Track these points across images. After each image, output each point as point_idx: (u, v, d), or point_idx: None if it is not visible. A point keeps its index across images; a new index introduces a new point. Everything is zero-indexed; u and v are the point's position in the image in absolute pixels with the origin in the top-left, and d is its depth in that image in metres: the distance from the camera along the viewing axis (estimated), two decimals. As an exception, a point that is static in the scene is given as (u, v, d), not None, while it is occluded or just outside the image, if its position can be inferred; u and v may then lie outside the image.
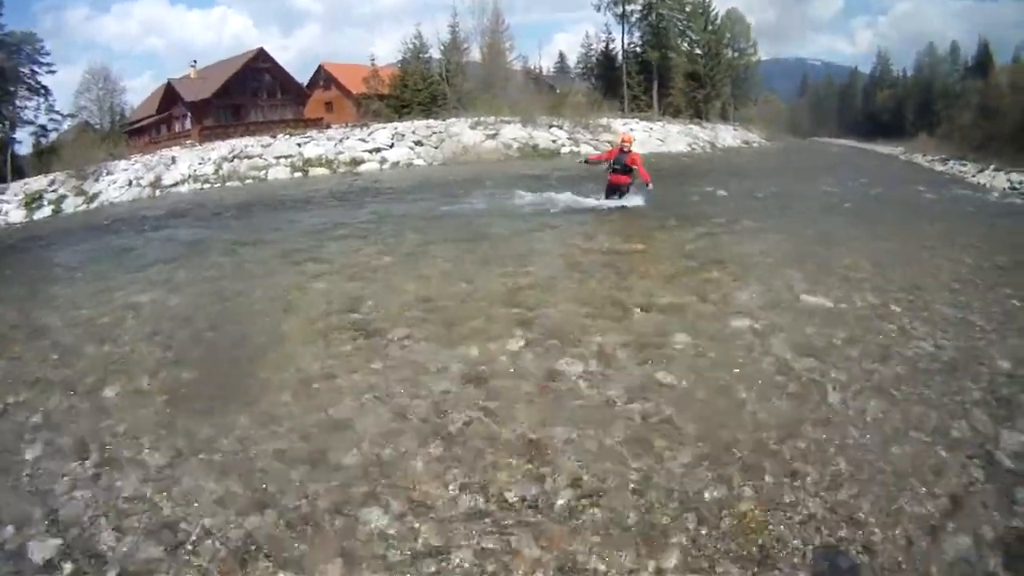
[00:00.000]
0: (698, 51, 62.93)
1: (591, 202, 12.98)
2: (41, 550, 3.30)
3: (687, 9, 60.37)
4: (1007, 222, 13.22)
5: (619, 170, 12.48)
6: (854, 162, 35.56)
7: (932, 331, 5.62)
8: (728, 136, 54.63)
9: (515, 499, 3.40)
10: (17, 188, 31.91)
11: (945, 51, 78.43)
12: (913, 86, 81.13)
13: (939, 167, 31.71)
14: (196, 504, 3.56)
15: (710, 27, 64.81)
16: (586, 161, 14.15)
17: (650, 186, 12.44)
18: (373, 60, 50.89)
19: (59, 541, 3.36)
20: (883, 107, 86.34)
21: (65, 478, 3.96)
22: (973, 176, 25.54)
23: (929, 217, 12.72)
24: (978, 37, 73.74)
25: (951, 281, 7.30)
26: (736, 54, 72.31)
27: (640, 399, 4.34)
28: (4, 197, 30.52)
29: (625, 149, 12.47)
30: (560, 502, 3.35)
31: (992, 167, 25.80)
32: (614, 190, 12.62)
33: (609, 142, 35.05)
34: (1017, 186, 21.59)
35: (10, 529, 3.52)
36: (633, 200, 12.68)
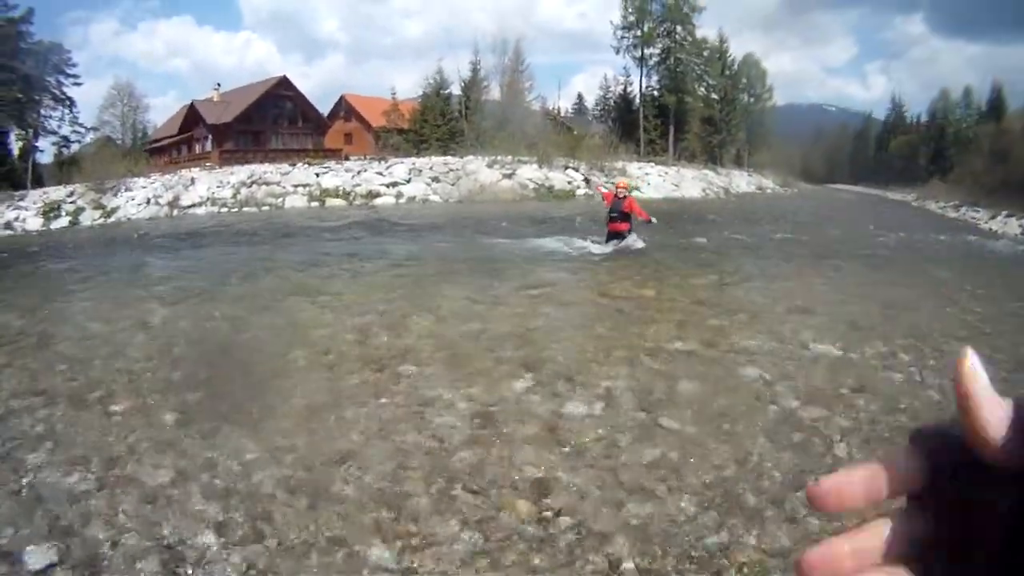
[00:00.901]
0: (714, 96, 63.59)
1: (596, 248, 13.04)
2: (37, 556, 3.31)
3: (705, 54, 61.08)
4: (1018, 269, 13.21)
5: (616, 217, 12.68)
6: (866, 209, 35.63)
7: (940, 380, 5.58)
8: (742, 182, 54.97)
9: (516, 539, 3.40)
10: (36, 196, 32.53)
11: (959, 96, 78.43)
12: (927, 132, 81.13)
13: (951, 213, 31.72)
14: (196, 525, 3.56)
15: (727, 72, 65.54)
16: (594, 191, 14.06)
17: (653, 220, 12.59)
18: (394, 94, 51.69)
19: (56, 549, 3.36)
20: (897, 153, 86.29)
21: (67, 488, 3.98)
22: (985, 222, 25.50)
23: (939, 264, 12.69)
24: (992, 82, 73.59)
25: (960, 329, 7.31)
26: (752, 99, 72.92)
27: (645, 444, 4.34)
28: (23, 204, 31.07)
29: (620, 195, 12.64)
30: (561, 544, 3.35)
31: (1004, 213, 25.75)
32: (614, 236, 12.73)
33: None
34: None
35: (8, 532, 3.54)
36: (636, 245, 12.78)
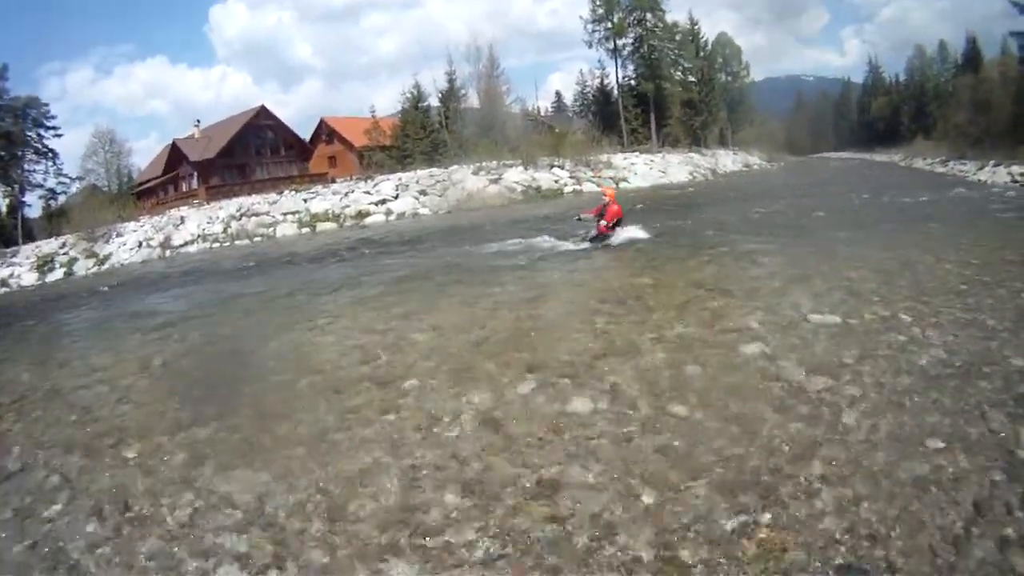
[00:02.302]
0: (691, 78, 63.54)
1: (587, 244, 13.08)
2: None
3: (677, 38, 61.06)
4: (1011, 216, 13.19)
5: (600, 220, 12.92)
6: (853, 174, 35.69)
7: (943, 336, 5.60)
8: (728, 161, 55.12)
9: (533, 541, 3.40)
10: (28, 251, 32.55)
11: (934, 52, 78.33)
12: (906, 91, 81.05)
13: (939, 169, 31.68)
14: (218, 560, 3.59)
15: (701, 53, 65.66)
16: (579, 218, 14.10)
17: (593, 232, 12.96)
18: (373, 112, 51.55)
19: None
20: (878, 115, 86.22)
21: (86, 535, 4.02)
22: (974, 174, 25.43)
23: (933, 221, 12.69)
24: (965, 33, 73.32)
25: (959, 283, 7.29)
26: (729, 77, 73.25)
27: (653, 432, 4.34)
28: (16, 260, 31.09)
29: (606, 203, 12.99)
30: (578, 541, 3.35)
31: (992, 163, 25.70)
32: (602, 238, 12.81)
33: (611, 177, 35.48)
34: (1019, 179, 21.49)
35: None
36: (627, 234, 12.97)
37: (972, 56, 64.55)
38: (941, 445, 3.86)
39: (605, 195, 13.41)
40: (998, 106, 34.70)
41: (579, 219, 13.78)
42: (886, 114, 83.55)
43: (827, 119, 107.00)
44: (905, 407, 4.34)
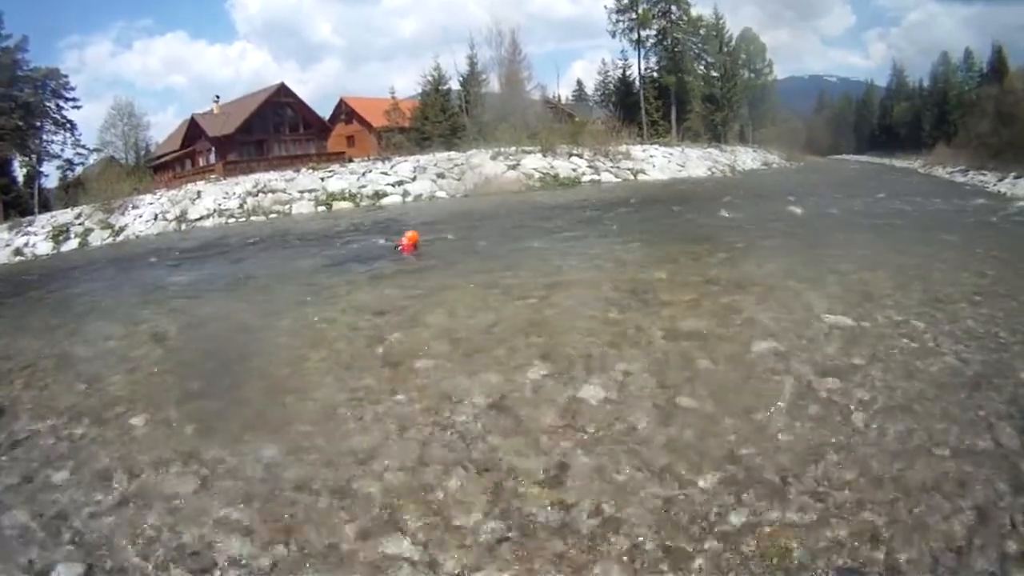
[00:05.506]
0: (714, 73, 63.13)
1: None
2: (66, 573, 3.38)
3: (701, 32, 60.62)
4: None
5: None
6: (873, 178, 35.37)
7: (955, 345, 5.56)
8: (748, 158, 54.73)
9: (538, 526, 3.43)
10: (44, 220, 32.77)
11: (959, 59, 77.33)
12: (929, 97, 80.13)
13: (959, 178, 31.33)
14: (222, 532, 3.62)
15: (725, 49, 65.05)
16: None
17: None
18: (393, 93, 51.12)
19: (84, 565, 3.43)
20: (900, 120, 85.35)
21: (92, 504, 4.05)
22: (993, 185, 25.12)
23: (949, 230, 12.59)
24: (991, 43, 72.20)
25: (973, 293, 7.23)
26: (752, 74, 72.36)
27: (662, 424, 4.36)
28: (32, 229, 31.35)
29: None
30: (583, 528, 3.38)
31: (1013, 175, 25.37)
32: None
33: (629, 168, 35.39)
34: (1040, 192, 21.26)
35: (36, 551, 3.61)
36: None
37: (997, 66, 63.68)
38: (947, 453, 3.86)
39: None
40: (1022, 118, 34.24)
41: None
42: (908, 119, 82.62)
43: (848, 121, 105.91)
44: (914, 413, 4.34)
